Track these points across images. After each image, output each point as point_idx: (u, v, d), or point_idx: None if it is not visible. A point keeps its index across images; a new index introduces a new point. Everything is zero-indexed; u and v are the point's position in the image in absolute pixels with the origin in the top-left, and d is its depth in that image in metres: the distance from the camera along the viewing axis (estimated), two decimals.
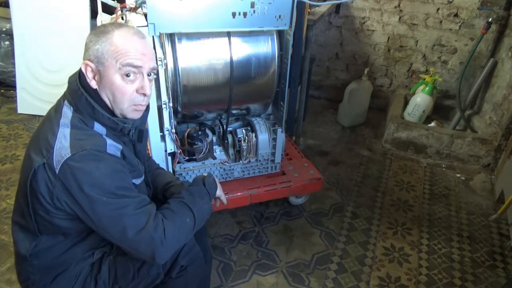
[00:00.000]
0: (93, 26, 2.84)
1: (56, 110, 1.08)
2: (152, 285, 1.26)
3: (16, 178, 2.35)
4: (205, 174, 1.32)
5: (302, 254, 1.93)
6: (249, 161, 2.02)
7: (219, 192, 1.36)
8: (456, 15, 2.93)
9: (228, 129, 2.05)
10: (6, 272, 1.75)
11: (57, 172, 0.96)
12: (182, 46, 1.62)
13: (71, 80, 1.09)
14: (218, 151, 2.07)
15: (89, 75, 1.04)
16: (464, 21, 2.94)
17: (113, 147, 1.05)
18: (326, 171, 2.58)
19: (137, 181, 1.17)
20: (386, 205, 2.31)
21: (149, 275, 1.22)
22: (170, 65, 1.63)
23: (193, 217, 1.15)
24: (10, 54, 3.11)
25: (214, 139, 2.08)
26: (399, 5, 3.05)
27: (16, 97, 3.05)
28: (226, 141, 2.05)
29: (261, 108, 2.01)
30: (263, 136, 1.99)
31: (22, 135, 2.79)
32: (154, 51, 1.06)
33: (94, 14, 2.81)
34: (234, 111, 1.98)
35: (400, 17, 3.09)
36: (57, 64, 2.91)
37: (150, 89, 1.08)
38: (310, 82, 2.95)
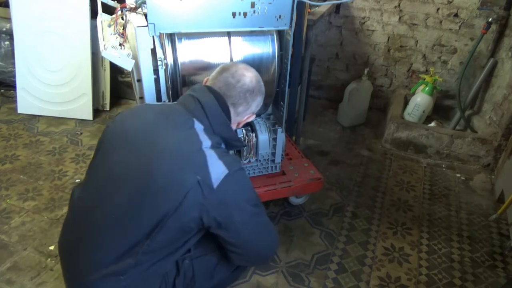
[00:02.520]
0: (94, 26, 2.84)
1: (184, 124, 1.16)
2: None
3: (16, 178, 2.35)
4: None
5: (302, 254, 1.94)
6: (249, 161, 2.02)
7: None
8: (456, 15, 2.93)
9: None
10: (6, 272, 1.75)
11: (214, 187, 1.05)
12: (183, 46, 1.62)
13: (211, 106, 1.20)
14: None
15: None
16: (464, 21, 2.94)
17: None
18: (326, 171, 2.58)
19: None
20: (386, 205, 2.32)
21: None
22: (171, 65, 1.63)
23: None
24: (10, 54, 3.11)
25: None
26: (399, 5, 3.05)
27: (16, 97, 3.05)
28: None
29: (261, 108, 2.00)
30: (263, 136, 1.99)
31: (22, 135, 2.79)
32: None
33: (94, 14, 2.81)
34: None
35: (400, 17, 3.09)
36: (57, 64, 2.91)
37: None
38: (310, 82, 2.95)
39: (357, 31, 3.26)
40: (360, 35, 3.28)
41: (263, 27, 1.66)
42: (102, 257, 1.06)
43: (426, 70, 3.19)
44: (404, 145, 2.83)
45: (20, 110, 3.05)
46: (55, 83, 2.96)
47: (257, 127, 2.00)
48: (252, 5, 1.58)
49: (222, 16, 1.56)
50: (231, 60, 1.71)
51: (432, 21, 3.02)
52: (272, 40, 1.77)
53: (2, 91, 3.32)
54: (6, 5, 3.01)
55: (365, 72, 3.10)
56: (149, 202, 1.04)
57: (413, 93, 3.10)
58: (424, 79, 2.98)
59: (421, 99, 2.94)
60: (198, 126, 1.16)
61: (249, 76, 1.28)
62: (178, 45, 1.61)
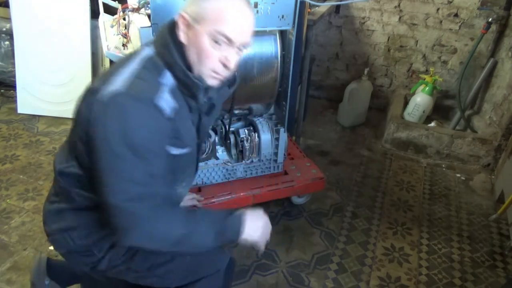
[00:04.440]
0: (94, 26, 2.83)
1: (136, 51, 1.06)
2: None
3: (16, 178, 2.35)
4: (243, 211, 1.13)
5: (302, 254, 1.94)
6: (252, 161, 2.02)
7: (255, 236, 1.13)
8: (456, 15, 2.94)
9: (230, 129, 2.05)
10: (6, 272, 1.75)
11: (99, 101, 0.91)
12: None
13: (161, 28, 1.05)
14: (220, 151, 2.07)
15: (181, 27, 0.99)
16: (464, 21, 2.94)
17: (166, 102, 0.96)
18: (326, 171, 2.58)
19: (175, 151, 1.03)
20: (386, 205, 2.32)
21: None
22: None
23: (185, 233, 1.00)
24: (10, 54, 3.10)
25: (217, 139, 2.08)
26: (399, 5, 3.05)
27: (16, 97, 3.04)
28: (228, 141, 2.04)
29: (263, 108, 2.02)
30: (266, 136, 1.99)
31: (22, 135, 2.79)
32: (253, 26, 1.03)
33: (94, 15, 2.81)
34: (236, 111, 1.99)
35: (400, 17, 3.10)
36: (57, 64, 2.91)
37: (235, 63, 1.02)
38: (310, 82, 2.95)
39: (357, 31, 3.26)
40: (360, 35, 3.28)
41: (266, 27, 1.66)
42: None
43: (426, 70, 3.20)
44: (404, 145, 2.83)
45: (20, 110, 3.04)
46: (55, 83, 2.95)
47: (260, 127, 2.00)
48: (255, 5, 1.58)
49: None
50: None
51: (432, 21, 3.03)
52: (275, 40, 1.77)
53: (2, 91, 3.31)
54: (6, 5, 3.01)
55: (365, 72, 3.10)
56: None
57: (413, 93, 3.11)
58: (424, 79, 2.98)
59: (421, 99, 2.95)
60: (148, 48, 1.04)
61: None
62: None
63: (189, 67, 1.01)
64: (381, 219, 2.20)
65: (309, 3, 2.01)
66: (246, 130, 1.99)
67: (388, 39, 3.21)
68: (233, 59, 1.00)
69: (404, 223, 2.18)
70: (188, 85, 1.01)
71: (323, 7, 2.56)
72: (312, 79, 3.38)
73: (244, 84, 1.79)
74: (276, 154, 2.05)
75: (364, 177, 2.57)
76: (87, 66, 2.89)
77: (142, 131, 0.90)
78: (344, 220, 2.18)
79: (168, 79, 1.00)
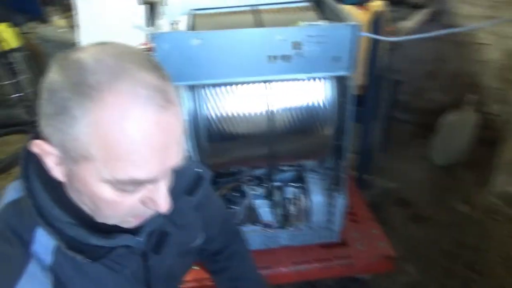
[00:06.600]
0: None
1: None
2: None
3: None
4: None
5: None
6: (299, 228, 1.64)
7: None
8: None
9: (276, 181, 1.68)
10: None
11: None
12: (206, 94, 1.30)
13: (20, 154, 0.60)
14: (262, 208, 1.72)
15: (49, 164, 0.55)
16: None
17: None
18: (403, 230, 2.05)
19: None
20: None
21: None
22: (192, 115, 1.33)
23: None
24: None
25: (259, 192, 1.74)
26: None
27: None
28: (272, 198, 1.69)
29: (315, 163, 1.61)
30: (318, 199, 1.59)
31: None
32: (183, 122, 0.56)
33: None
34: (281, 167, 1.62)
35: None
36: None
37: (165, 196, 0.56)
38: (394, 104, 2.44)
39: (462, 44, 2.60)
40: (465, 49, 2.61)
41: (312, 74, 1.25)
42: None
43: None
44: None
45: None
46: None
47: (311, 186, 1.60)
48: (296, 45, 1.18)
49: (255, 62, 1.20)
50: (268, 111, 1.33)
51: None
52: (328, 84, 1.34)
53: None
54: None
55: (470, 96, 2.45)
56: None
57: None
58: None
59: None
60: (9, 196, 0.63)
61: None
62: (199, 95, 1.30)
63: (82, 215, 0.58)
64: None
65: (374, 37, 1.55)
66: (293, 188, 1.61)
67: (505, 56, 2.48)
68: (164, 195, 0.56)
69: None
70: (82, 251, 0.58)
71: (411, 21, 2.02)
72: (399, 100, 2.80)
73: (285, 139, 1.41)
74: (331, 220, 1.62)
75: (457, 245, 1.97)
76: None
77: None
78: None
79: (41, 243, 0.58)
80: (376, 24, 1.62)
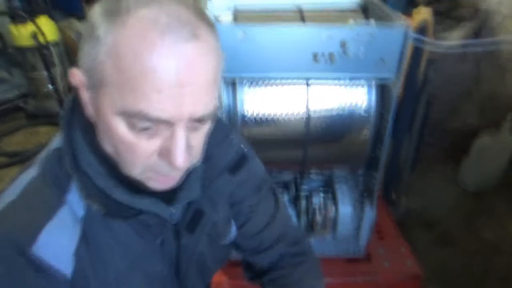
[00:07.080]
0: None
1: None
2: None
3: None
4: None
5: None
6: (323, 238, 1.57)
7: None
8: None
9: (304, 188, 1.63)
10: None
11: None
12: (244, 91, 1.27)
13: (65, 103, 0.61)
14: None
15: (83, 98, 0.53)
16: None
17: (64, 249, 0.54)
18: (428, 252, 1.95)
19: None
20: None
21: None
22: (228, 112, 1.30)
23: None
24: None
25: (286, 198, 1.68)
26: None
27: None
28: (299, 205, 1.63)
29: (345, 173, 1.55)
30: (346, 209, 1.52)
31: None
32: (215, 68, 0.52)
33: None
34: (311, 173, 1.56)
35: None
36: None
37: (187, 155, 0.52)
38: (425, 125, 2.35)
39: (505, 63, 2.50)
40: (504, 70, 2.51)
41: (356, 75, 1.20)
42: None
43: None
44: None
45: None
46: None
47: (340, 196, 1.53)
48: (344, 44, 1.14)
49: (298, 59, 1.16)
50: (307, 113, 1.29)
51: None
52: (370, 91, 1.29)
53: None
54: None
55: (508, 119, 2.34)
56: None
57: None
58: None
59: None
60: (53, 146, 0.63)
61: None
62: (237, 92, 1.26)
63: (112, 164, 0.56)
64: None
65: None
66: (321, 196, 1.55)
67: None
68: (180, 145, 0.50)
69: None
70: (117, 214, 0.57)
71: (456, 34, 1.96)
72: (430, 120, 2.72)
73: (320, 145, 1.36)
74: (357, 234, 1.55)
75: (483, 274, 1.86)
76: None
77: None
78: None
79: (74, 201, 0.57)
80: (421, 32, 1.57)
